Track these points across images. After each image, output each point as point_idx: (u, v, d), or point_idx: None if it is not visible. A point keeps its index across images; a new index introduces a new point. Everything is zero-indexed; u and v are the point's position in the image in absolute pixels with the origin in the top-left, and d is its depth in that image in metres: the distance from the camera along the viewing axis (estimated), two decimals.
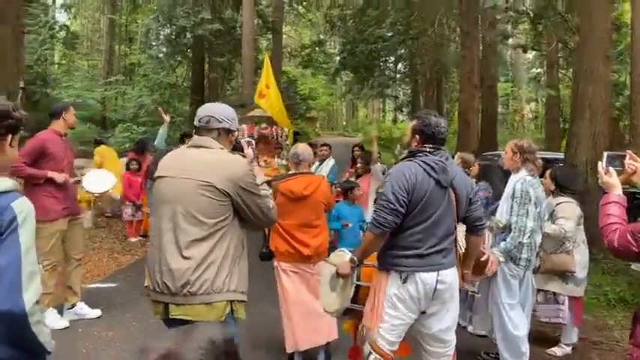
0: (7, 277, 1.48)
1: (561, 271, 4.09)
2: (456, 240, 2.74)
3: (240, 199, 2.28)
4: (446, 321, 2.68)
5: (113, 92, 22.82)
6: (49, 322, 4.14)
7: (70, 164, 4.39)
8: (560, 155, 10.13)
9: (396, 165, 2.81)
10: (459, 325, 2.96)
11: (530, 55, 23.38)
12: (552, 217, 4.10)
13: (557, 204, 4.11)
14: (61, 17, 32.84)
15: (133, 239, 7.68)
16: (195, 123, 2.43)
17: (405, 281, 2.57)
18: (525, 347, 3.57)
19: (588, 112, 7.34)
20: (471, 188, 2.75)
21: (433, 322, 2.67)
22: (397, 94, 31.56)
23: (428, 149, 2.66)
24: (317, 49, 27.01)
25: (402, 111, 30.69)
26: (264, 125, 9.52)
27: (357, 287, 2.86)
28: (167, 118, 6.26)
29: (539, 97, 27.81)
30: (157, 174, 2.39)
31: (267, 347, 4.01)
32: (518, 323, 3.57)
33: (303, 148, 3.77)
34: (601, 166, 2.35)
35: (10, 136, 1.63)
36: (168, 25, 20.58)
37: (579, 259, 4.13)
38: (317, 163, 6.98)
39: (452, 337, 2.74)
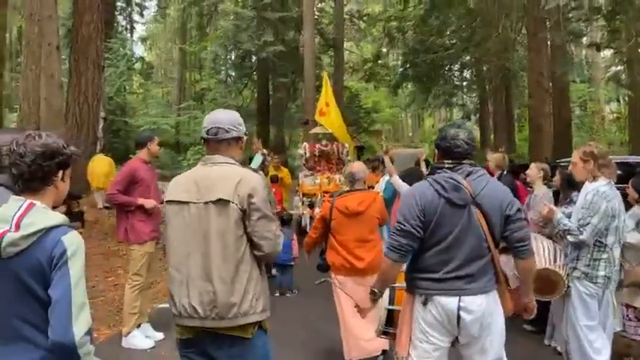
0: (58, 309, 1.57)
1: None
2: (494, 264, 2.47)
3: (255, 218, 2.19)
4: (490, 354, 2.43)
5: (185, 117, 24.01)
6: (138, 343, 4.41)
7: (156, 190, 4.66)
8: None
9: (412, 185, 2.71)
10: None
11: (608, 53, 21.89)
12: (638, 226, 3.79)
13: None
14: (138, 50, 35.41)
15: None
16: (203, 135, 2.35)
17: (425, 303, 2.43)
18: None
19: None
20: (508, 205, 2.41)
21: (474, 354, 2.45)
22: (464, 102, 30.71)
23: (447, 165, 2.48)
24: (379, 62, 26.98)
25: (469, 119, 29.76)
26: (324, 142, 9.60)
27: (391, 311, 2.76)
28: (260, 148, 6.08)
29: (620, 96, 25.92)
30: (172, 197, 2.29)
31: (325, 354, 4.24)
32: (599, 347, 3.26)
33: (358, 167, 3.96)
34: None
35: (61, 172, 1.74)
36: (233, 50, 21.50)
37: None
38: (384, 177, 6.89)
39: None
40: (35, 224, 1.61)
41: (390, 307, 2.78)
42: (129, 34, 29.65)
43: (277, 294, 6.08)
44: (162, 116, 23.36)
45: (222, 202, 2.18)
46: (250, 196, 2.18)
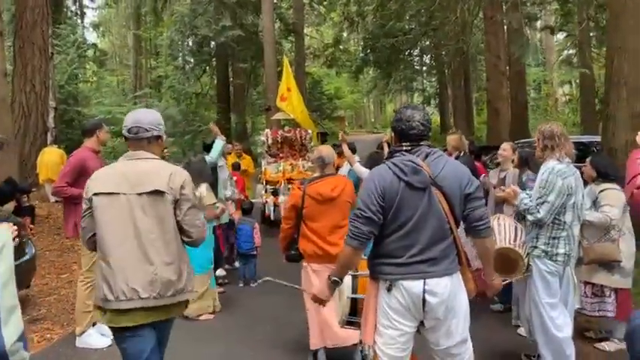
0: None
1: (606, 262, 3.84)
2: (457, 245, 2.43)
3: (186, 204, 2.45)
4: (455, 336, 2.43)
5: (141, 106, 23.24)
6: (93, 342, 4.21)
7: None
8: (598, 138, 9.67)
9: (371, 170, 2.65)
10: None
11: (561, 36, 22.52)
12: (595, 204, 3.88)
13: (601, 191, 3.88)
14: (90, 36, 33.95)
15: None
16: (124, 133, 2.51)
17: (389, 289, 2.39)
18: (570, 350, 3.30)
19: (625, 91, 6.92)
20: (467, 183, 2.40)
21: (440, 338, 2.44)
22: (424, 87, 31.09)
23: (404, 148, 2.44)
24: (340, 47, 26.86)
25: (429, 103, 30.18)
26: (287, 128, 9.46)
27: (354, 300, 2.71)
28: (218, 134, 5.86)
29: (572, 79, 26.78)
30: (100, 190, 2.42)
31: (291, 345, 4.15)
32: (561, 324, 3.29)
33: (326, 151, 3.80)
34: None
35: None
36: (191, 36, 20.86)
37: (625, 248, 3.87)
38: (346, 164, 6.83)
39: (464, 349, 2.48)
40: None
41: (354, 296, 2.72)
42: (79, 20, 28.35)
43: (241, 284, 5.95)
44: (118, 105, 22.51)
45: (157, 193, 2.40)
46: (182, 187, 2.44)
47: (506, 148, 5.04)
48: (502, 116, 13.99)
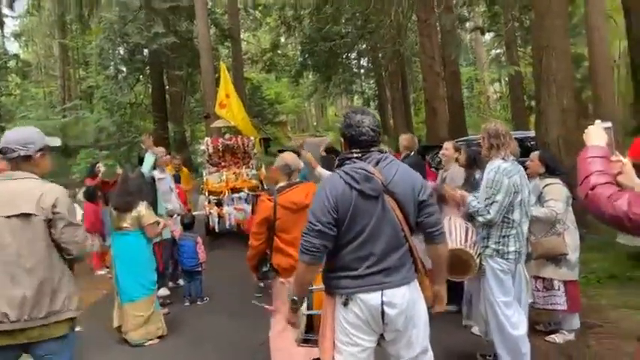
0: None
1: (554, 255, 3.93)
2: (412, 253, 2.34)
3: (53, 225, 2.43)
4: (416, 347, 2.34)
5: (72, 118, 22.02)
6: None
7: None
8: (530, 133, 10.09)
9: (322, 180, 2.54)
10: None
11: (489, 36, 23.53)
12: (540, 199, 3.95)
13: (545, 186, 3.97)
14: (12, 46, 31.88)
15: (100, 272, 7.25)
16: None
17: (346, 303, 2.28)
18: (526, 347, 3.32)
19: (554, 88, 7.22)
20: (420, 189, 2.33)
21: (400, 349, 2.34)
22: (363, 90, 31.52)
23: (355, 155, 2.32)
24: (278, 52, 26.71)
25: (369, 105, 30.63)
26: (227, 136, 9.18)
27: (310, 317, 2.57)
28: (151, 145, 5.69)
29: (502, 77, 28.07)
30: None
31: None
32: (516, 322, 3.30)
33: (291, 158, 3.57)
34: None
35: None
36: (121, 44, 20.00)
37: (570, 241, 3.98)
38: None
39: (426, 359, 2.40)
40: None
41: (309, 313, 2.57)
42: None
43: (187, 303, 5.65)
44: (46, 118, 21.20)
45: (25, 216, 2.38)
46: (54, 206, 2.42)
47: (448, 147, 5.05)
48: (440, 115, 14.32)
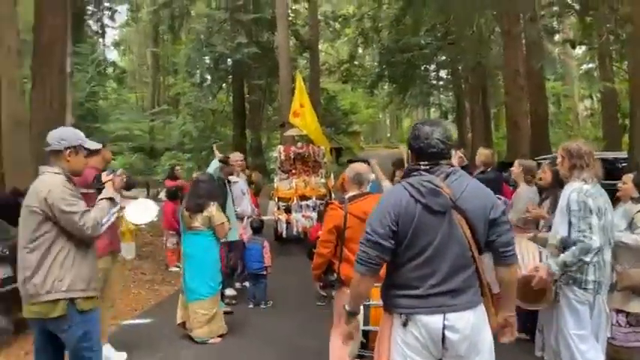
0: None
1: None
2: (479, 275, 2.18)
3: (52, 215, 2.69)
4: None
5: (159, 122, 23.47)
6: (112, 356, 4.17)
7: None
8: (622, 154, 9.33)
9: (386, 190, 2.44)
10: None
11: (580, 50, 22.13)
12: (631, 226, 3.60)
13: (638, 212, 3.60)
14: (112, 55, 34.65)
15: (174, 268, 7.61)
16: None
17: (405, 324, 2.16)
18: None
19: None
20: (492, 207, 2.17)
21: None
22: (440, 102, 30.84)
23: (422, 167, 2.20)
24: (355, 63, 26.86)
25: (446, 118, 29.90)
26: (299, 144, 9.33)
27: (366, 332, 2.49)
28: (218, 153, 6.11)
29: (593, 93, 26.27)
30: None
31: None
32: (591, 358, 3.02)
33: (363, 168, 3.55)
34: None
35: None
36: (207, 53, 21.08)
37: None
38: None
39: None
40: None
41: (366, 328, 2.50)
42: (101, 39, 28.94)
43: (251, 305, 5.77)
44: (135, 122, 22.79)
45: (29, 207, 2.73)
46: (46, 199, 2.67)
47: (516, 165, 4.84)
48: (522, 131, 13.68)
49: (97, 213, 2.82)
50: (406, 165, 2.48)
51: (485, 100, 23.28)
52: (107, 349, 4.22)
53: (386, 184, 4.14)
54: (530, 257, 3.24)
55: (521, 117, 13.73)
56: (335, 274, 3.41)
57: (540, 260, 3.27)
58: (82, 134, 2.96)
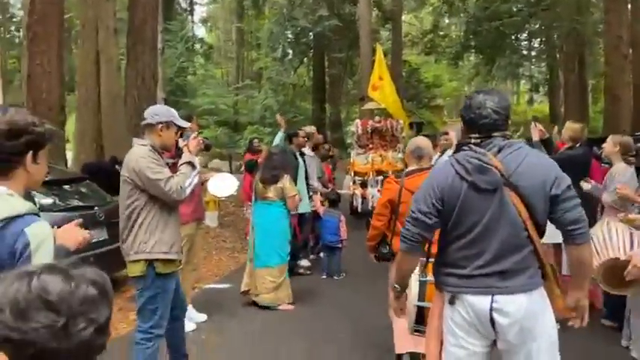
0: None
1: None
2: (538, 256, 2.04)
3: (141, 183, 2.92)
4: None
5: (242, 97, 24.21)
6: (194, 316, 4.47)
7: None
8: None
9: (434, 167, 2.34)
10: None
11: None
12: None
13: None
14: (200, 31, 36.07)
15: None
16: None
17: (452, 302, 2.09)
18: None
19: None
20: (553, 182, 1.97)
21: None
22: (532, 74, 28.88)
23: (473, 140, 2.06)
24: (440, 33, 25.79)
25: (538, 91, 28.01)
26: (377, 118, 9.22)
27: (421, 308, 2.45)
28: (283, 124, 6.36)
29: None
30: None
31: (375, 346, 3.94)
32: None
33: (424, 142, 3.52)
34: None
35: (31, 152, 1.53)
36: (289, 27, 21.23)
37: None
38: (437, 154, 6.46)
39: None
40: None
41: (420, 304, 2.47)
42: (190, 16, 30.18)
43: (324, 276, 5.91)
44: (221, 96, 23.66)
45: (122, 177, 3.00)
46: (134, 169, 2.91)
47: (608, 142, 4.39)
48: (623, 104, 12.48)
49: (180, 178, 2.99)
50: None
51: (583, 71, 21.44)
52: (190, 310, 4.53)
53: None
54: (619, 239, 2.99)
55: (623, 89, 12.51)
56: (388, 247, 3.42)
57: (632, 244, 3.02)
58: (174, 111, 3.17)
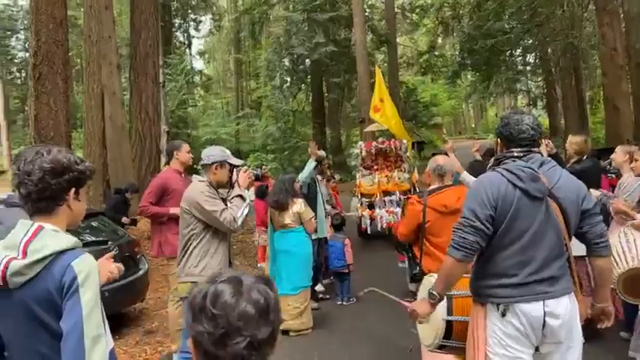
0: (69, 343, 1.41)
1: None
2: (570, 263, 2.17)
3: (197, 213, 3.29)
4: None
5: (243, 125, 24.44)
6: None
7: None
8: None
9: (479, 177, 2.38)
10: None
11: None
12: None
13: None
14: (198, 63, 36.63)
15: (263, 265, 7.90)
16: None
17: (504, 314, 2.11)
18: None
19: None
20: (584, 198, 2.17)
21: None
22: (529, 88, 29.14)
23: (515, 154, 2.20)
24: (435, 53, 26.18)
25: (535, 105, 28.19)
26: (381, 139, 9.28)
27: (450, 322, 2.43)
28: (320, 152, 6.23)
29: None
30: None
31: None
32: None
33: (444, 160, 3.53)
34: None
35: (73, 190, 1.58)
36: (286, 56, 21.58)
37: None
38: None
39: None
40: (43, 249, 1.45)
41: (449, 318, 2.45)
42: (187, 49, 30.71)
43: (339, 302, 5.85)
44: (222, 126, 23.93)
45: (182, 208, 3.39)
46: (191, 203, 3.31)
47: (617, 152, 4.41)
48: (623, 114, 12.56)
49: (233, 210, 3.29)
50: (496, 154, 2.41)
51: (579, 83, 21.64)
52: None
53: (465, 177, 4.02)
54: (638, 249, 2.99)
55: (621, 99, 12.62)
56: (418, 268, 3.37)
57: None
58: (227, 152, 3.50)
